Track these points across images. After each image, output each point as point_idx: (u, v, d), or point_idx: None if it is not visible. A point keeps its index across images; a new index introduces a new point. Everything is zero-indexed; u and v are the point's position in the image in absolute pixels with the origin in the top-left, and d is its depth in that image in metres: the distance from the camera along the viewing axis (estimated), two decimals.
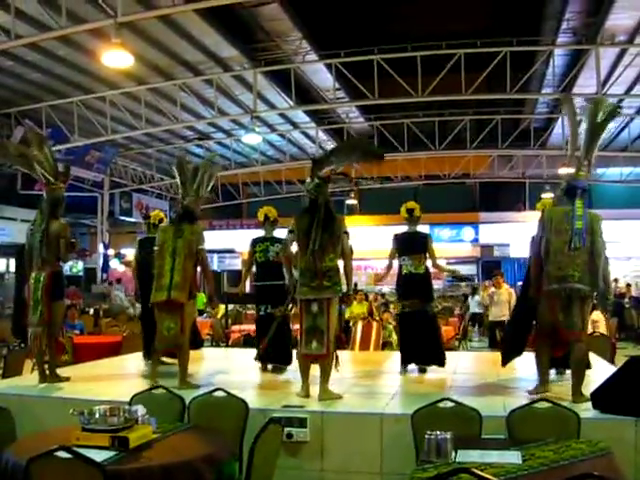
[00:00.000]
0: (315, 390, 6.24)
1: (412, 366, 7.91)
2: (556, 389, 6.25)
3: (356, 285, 24.48)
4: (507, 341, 7.28)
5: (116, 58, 11.70)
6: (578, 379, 5.94)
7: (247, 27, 15.37)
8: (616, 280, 24.99)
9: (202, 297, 22.85)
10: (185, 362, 6.99)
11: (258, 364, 8.01)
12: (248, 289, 9.18)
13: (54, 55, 14.72)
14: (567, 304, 5.91)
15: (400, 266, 8.01)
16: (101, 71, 15.13)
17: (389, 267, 8.37)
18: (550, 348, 6.23)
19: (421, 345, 7.74)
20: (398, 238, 8.10)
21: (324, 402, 5.99)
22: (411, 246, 7.97)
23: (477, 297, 19.08)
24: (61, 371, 7.42)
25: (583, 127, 6.39)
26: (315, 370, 6.39)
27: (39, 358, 7.25)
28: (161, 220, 8.75)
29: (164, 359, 7.84)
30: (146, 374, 7.65)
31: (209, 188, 7.72)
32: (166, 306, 6.86)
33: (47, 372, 7.13)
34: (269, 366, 8.08)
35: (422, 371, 7.85)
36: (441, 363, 7.77)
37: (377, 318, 13.43)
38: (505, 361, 6.79)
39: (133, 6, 12.07)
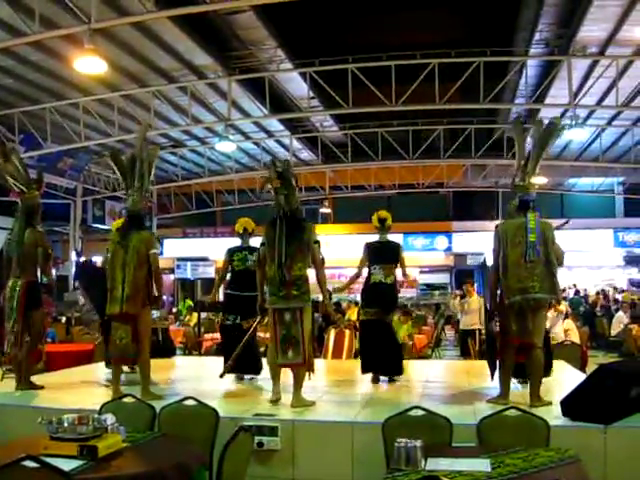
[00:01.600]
0: (287, 397, 6.25)
1: (383, 377, 7.88)
2: (520, 398, 6.28)
3: (331, 294, 24.52)
4: (488, 355, 7.31)
5: (89, 64, 11.64)
6: (535, 384, 6.17)
7: (222, 35, 15.35)
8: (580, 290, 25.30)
9: (188, 302, 22.86)
10: (146, 372, 6.84)
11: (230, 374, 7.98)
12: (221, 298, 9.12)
13: (27, 61, 14.58)
14: (526, 314, 6.10)
15: (369, 274, 7.98)
16: (74, 77, 15.04)
17: (357, 275, 8.32)
18: (514, 357, 6.32)
19: (381, 354, 7.73)
20: (370, 247, 8.09)
21: (295, 410, 5.99)
22: (383, 255, 7.95)
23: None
24: (33, 379, 7.37)
25: (530, 144, 6.61)
26: (286, 376, 6.43)
27: (15, 366, 7.24)
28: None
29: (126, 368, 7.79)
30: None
31: (152, 177, 7.38)
32: (120, 317, 6.75)
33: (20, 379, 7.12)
34: (246, 376, 8.06)
35: (391, 381, 7.81)
36: (398, 372, 7.77)
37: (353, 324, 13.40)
38: (492, 375, 6.81)
39: (107, 12, 12.00)
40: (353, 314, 15.21)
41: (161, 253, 29.96)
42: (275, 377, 6.45)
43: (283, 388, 6.39)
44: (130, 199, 7.06)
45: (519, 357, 6.35)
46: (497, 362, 6.66)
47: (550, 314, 14.25)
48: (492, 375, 6.74)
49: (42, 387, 7.22)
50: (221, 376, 7.55)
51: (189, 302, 20.67)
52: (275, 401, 6.32)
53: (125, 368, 7.76)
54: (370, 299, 7.98)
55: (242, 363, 7.73)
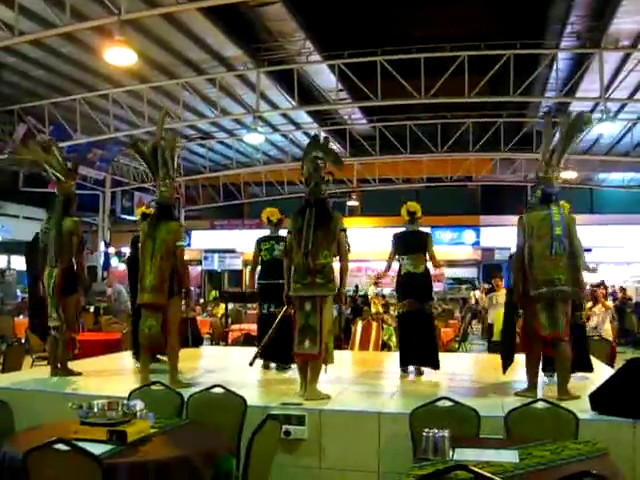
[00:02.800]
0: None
1: (411, 367, 7.85)
2: (548, 392, 6.25)
3: (357, 287, 24.56)
4: (503, 348, 7.28)
5: (119, 55, 11.73)
6: (563, 377, 6.12)
7: (250, 27, 15.36)
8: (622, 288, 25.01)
9: (213, 294, 22.99)
10: (174, 361, 6.88)
11: (258, 362, 7.98)
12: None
13: (57, 52, 14.69)
14: (552, 306, 6.06)
15: (400, 266, 7.95)
16: (104, 69, 15.12)
17: (388, 268, 8.27)
18: (540, 350, 6.31)
19: (417, 346, 7.68)
20: (397, 237, 8.03)
21: (322, 400, 6.00)
22: (410, 245, 7.88)
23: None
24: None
25: (557, 137, 6.59)
26: None
27: (52, 353, 7.40)
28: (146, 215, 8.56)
29: (159, 357, 7.83)
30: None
31: (176, 164, 7.41)
32: (148, 306, 6.82)
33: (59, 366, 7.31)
34: (272, 364, 8.08)
35: (419, 373, 7.76)
36: (435, 365, 7.65)
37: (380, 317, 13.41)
38: (505, 368, 6.84)
39: (137, 4, 12.06)
40: (378, 307, 15.21)
41: (188, 244, 30.32)
42: (302, 371, 6.40)
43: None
44: (158, 190, 7.12)
45: (547, 350, 6.31)
46: (511, 355, 6.71)
47: (597, 310, 14.18)
48: (504, 368, 6.76)
49: (80, 373, 7.36)
50: (251, 364, 7.57)
51: (214, 293, 20.81)
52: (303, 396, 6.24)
53: None
54: (402, 291, 7.94)
55: (275, 350, 7.75)
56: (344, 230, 6.47)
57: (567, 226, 6.21)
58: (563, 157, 6.51)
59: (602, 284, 17.41)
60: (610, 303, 14.70)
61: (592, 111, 20.15)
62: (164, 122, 8.03)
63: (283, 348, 7.56)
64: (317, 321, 6.18)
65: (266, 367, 8.08)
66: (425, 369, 7.77)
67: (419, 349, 7.68)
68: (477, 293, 22.47)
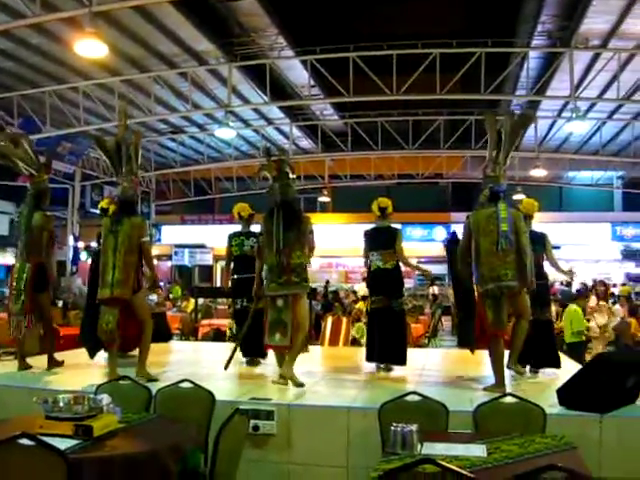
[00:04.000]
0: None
1: (381, 365, 7.81)
2: (524, 386, 6.31)
3: (328, 282, 24.57)
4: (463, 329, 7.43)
5: (90, 48, 11.59)
6: (516, 349, 6.69)
7: (223, 21, 15.30)
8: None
9: (177, 290, 22.84)
10: (146, 353, 6.93)
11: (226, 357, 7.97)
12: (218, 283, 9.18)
13: (27, 43, 14.52)
14: (501, 302, 6.23)
15: (370, 262, 7.92)
16: (75, 61, 14.98)
17: (366, 264, 8.15)
18: (503, 345, 6.44)
19: (384, 342, 7.65)
20: (367, 234, 8.06)
21: (292, 394, 6.04)
22: (379, 241, 7.87)
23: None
24: (28, 361, 7.41)
25: (503, 136, 6.67)
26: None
27: (20, 347, 7.36)
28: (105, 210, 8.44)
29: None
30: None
31: (139, 161, 7.34)
32: (110, 302, 6.78)
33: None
34: (243, 358, 8.07)
35: (388, 369, 7.71)
36: (402, 362, 7.65)
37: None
38: (472, 349, 7.06)
39: None
40: (362, 305, 15.23)
41: (158, 240, 30.08)
42: (280, 360, 6.66)
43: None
44: (120, 186, 7.08)
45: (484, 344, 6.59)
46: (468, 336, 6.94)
47: (599, 307, 14.33)
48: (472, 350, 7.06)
49: (62, 362, 7.48)
50: (225, 368, 7.44)
51: (178, 290, 20.75)
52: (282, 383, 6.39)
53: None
54: (373, 287, 7.95)
55: (248, 345, 7.77)
56: (312, 232, 6.76)
57: (514, 223, 6.36)
58: (509, 156, 6.67)
59: (602, 282, 17.57)
60: (618, 307, 14.87)
61: (562, 110, 20.42)
62: (126, 118, 7.96)
63: (253, 342, 7.61)
64: (289, 316, 6.46)
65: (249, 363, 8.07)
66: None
67: (386, 346, 7.65)
68: (436, 289, 23.37)
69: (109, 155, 7.20)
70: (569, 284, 24.29)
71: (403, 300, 8.25)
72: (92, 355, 7.93)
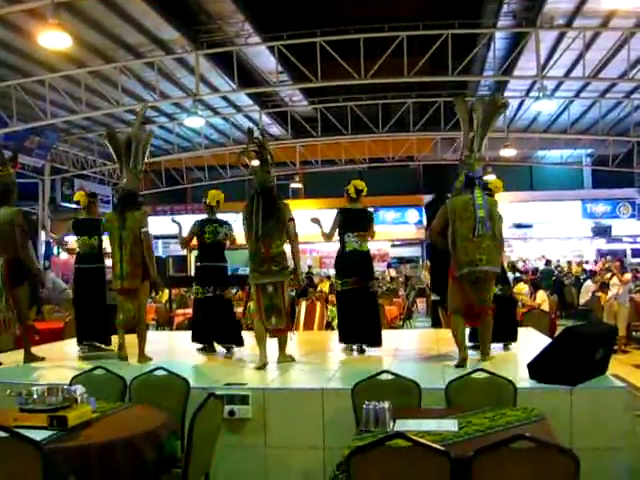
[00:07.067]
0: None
1: (354, 346, 7.86)
2: (494, 361, 6.41)
3: (310, 267, 24.67)
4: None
5: (54, 39, 11.46)
6: (487, 344, 6.67)
7: (188, 9, 15.20)
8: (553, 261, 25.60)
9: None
10: (144, 339, 7.30)
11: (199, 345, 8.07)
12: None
13: None
14: (478, 284, 6.41)
15: (344, 242, 7.80)
16: (39, 54, 14.80)
17: (329, 237, 7.94)
18: (464, 324, 6.65)
19: (360, 324, 7.67)
20: (343, 213, 7.86)
21: (267, 380, 6.13)
22: (357, 222, 7.82)
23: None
24: (3, 356, 7.39)
25: (475, 122, 6.82)
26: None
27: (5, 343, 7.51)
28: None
29: (98, 344, 8.08)
30: (85, 358, 7.71)
31: (146, 159, 7.64)
32: (122, 292, 7.17)
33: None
34: (221, 348, 8.08)
35: (361, 351, 7.73)
36: (378, 343, 7.69)
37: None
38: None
39: None
40: (325, 286, 15.31)
41: None
42: (261, 344, 6.80)
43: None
44: (125, 178, 7.37)
45: (471, 323, 6.78)
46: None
47: (614, 282, 14.66)
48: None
49: (44, 358, 7.43)
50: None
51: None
52: (262, 367, 6.63)
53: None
54: (347, 268, 7.80)
55: (223, 334, 7.89)
56: (292, 219, 6.92)
57: (489, 209, 6.49)
58: (483, 142, 6.79)
59: (619, 259, 17.79)
60: (628, 276, 15.13)
61: (530, 89, 20.54)
62: (142, 118, 8.38)
63: (230, 331, 7.84)
64: (280, 300, 6.82)
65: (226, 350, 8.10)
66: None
67: (361, 327, 7.69)
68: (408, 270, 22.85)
69: (117, 150, 7.49)
70: (548, 262, 24.61)
71: (375, 282, 8.33)
72: (79, 342, 8.12)
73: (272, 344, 6.99)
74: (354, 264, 7.79)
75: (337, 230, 7.87)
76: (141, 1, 13.42)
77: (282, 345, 7.00)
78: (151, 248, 7.30)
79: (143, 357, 7.18)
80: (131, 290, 7.13)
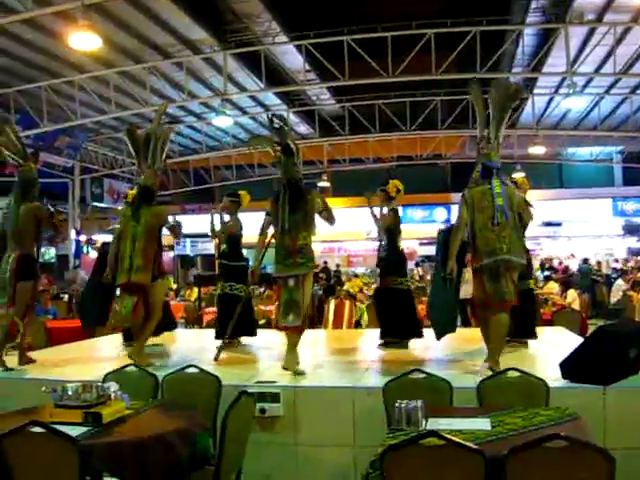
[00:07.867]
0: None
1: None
2: (518, 360, 6.33)
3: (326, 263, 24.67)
4: (434, 316, 7.41)
5: (84, 41, 11.60)
6: (496, 346, 6.28)
7: (216, 9, 15.25)
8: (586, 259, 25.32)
9: (170, 280, 22.93)
10: (146, 337, 7.17)
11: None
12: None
13: (21, 39, 14.46)
14: (496, 276, 6.15)
15: (397, 242, 8.17)
16: (69, 55, 14.96)
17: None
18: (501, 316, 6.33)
19: (400, 319, 7.90)
20: (397, 212, 8.39)
21: (297, 378, 6.08)
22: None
23: None
24: (34, 354, 7.44)
25: (491, 110, 6.65)
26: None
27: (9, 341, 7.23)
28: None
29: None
30: (119, 356, 7.69)
31: (164, 155, 7.63)
32: (128, 288, 6.98)
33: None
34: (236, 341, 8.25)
35: (403, 346, 7.88)
36: (420, 334, 7.93)
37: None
38: (439, 336, 6.99)
39: None
40: (354, 285, 15.27)
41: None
42: (292, 343, 6.65)
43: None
44: (143, 174, 7.38)
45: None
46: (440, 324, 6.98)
47: None
48: (437, 337, 6.99)
49: (34, 361, 7.25)
50: (216, 359, 7.24)
51: (171, 280, 21.01)
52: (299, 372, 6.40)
53: None
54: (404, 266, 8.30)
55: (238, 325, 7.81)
56: (326, 209, 6.82)
57: (509, 198, 6.29)
58: (500, 131, 6.60)
59: None
60: None
61: (559, 86, 20.36)
62: (162, 115, 8.47)
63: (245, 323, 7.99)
64: (300, 296, 6.49)
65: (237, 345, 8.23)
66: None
67: (402, 322, 7.88)
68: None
69: (136, 146, 7.48)
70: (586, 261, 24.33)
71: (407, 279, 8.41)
72: (85, 326, 8.19)
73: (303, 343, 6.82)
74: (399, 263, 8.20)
75: (388, 229, 8.14)
76: (169, 2, 13.50)
77: (290, 346, 6.57)
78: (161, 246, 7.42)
79: (136, 354, 6.84)
80: (138, 286, 6.91)
